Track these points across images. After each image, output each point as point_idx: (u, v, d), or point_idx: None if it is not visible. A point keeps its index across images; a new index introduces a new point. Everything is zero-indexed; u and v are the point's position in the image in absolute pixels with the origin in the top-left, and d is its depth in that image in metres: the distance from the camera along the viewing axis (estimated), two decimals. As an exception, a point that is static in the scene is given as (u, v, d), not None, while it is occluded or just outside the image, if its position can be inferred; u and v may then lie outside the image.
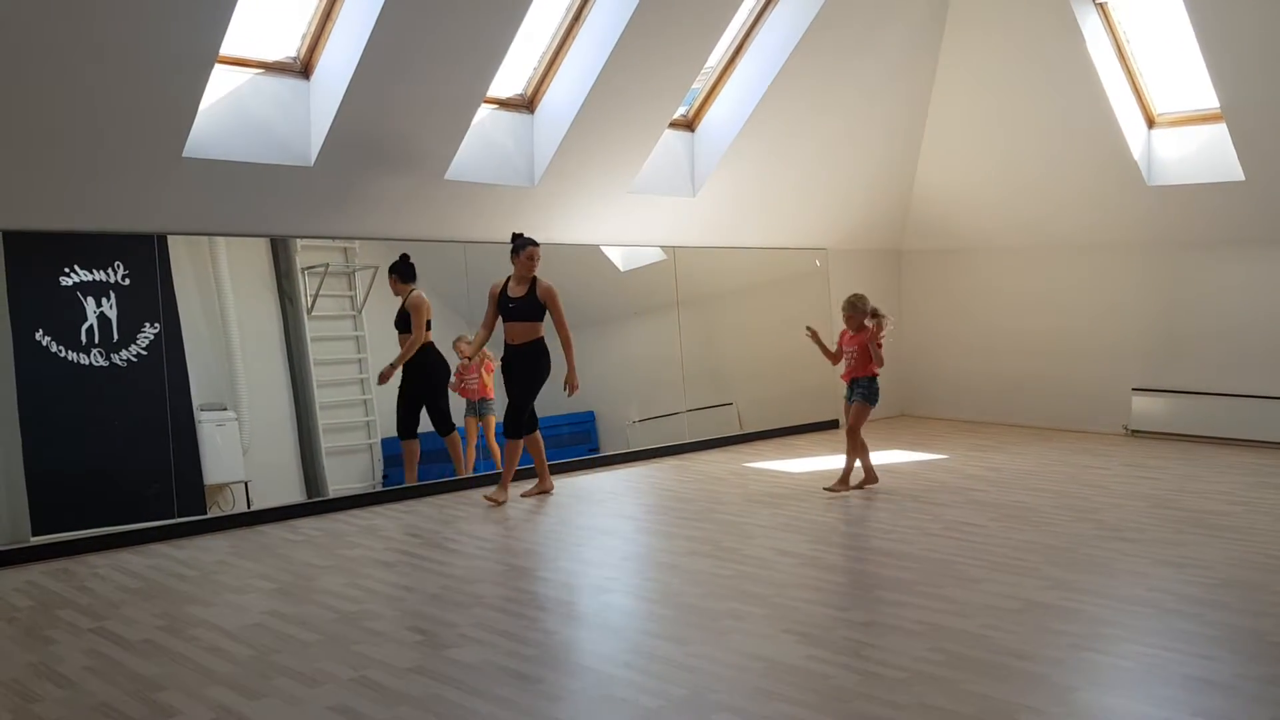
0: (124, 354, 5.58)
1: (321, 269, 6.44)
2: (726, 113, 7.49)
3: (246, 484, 6.02)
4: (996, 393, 8.91)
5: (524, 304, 6.11)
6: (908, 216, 9.23)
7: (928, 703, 3.02)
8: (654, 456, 7.71)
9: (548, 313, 6.19)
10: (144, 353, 5.63)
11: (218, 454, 5.91)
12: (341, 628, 3.87)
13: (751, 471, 6.99)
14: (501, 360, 6.29)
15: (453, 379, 6.68)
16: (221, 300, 6.05)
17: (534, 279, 6.10)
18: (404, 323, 6.39)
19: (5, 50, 4.51)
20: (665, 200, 7.59)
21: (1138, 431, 8.05)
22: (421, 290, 6.42)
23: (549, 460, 6.53)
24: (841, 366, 6.31)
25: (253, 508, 5.93)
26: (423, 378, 6.43)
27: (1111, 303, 8.21)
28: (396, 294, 6.42)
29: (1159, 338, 8.00)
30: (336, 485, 6.31)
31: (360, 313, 6.59)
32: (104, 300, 5.52)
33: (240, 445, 6.02)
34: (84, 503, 5.38)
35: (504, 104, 6.68)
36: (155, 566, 4.92)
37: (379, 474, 6.58)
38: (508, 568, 4.70)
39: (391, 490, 6.43)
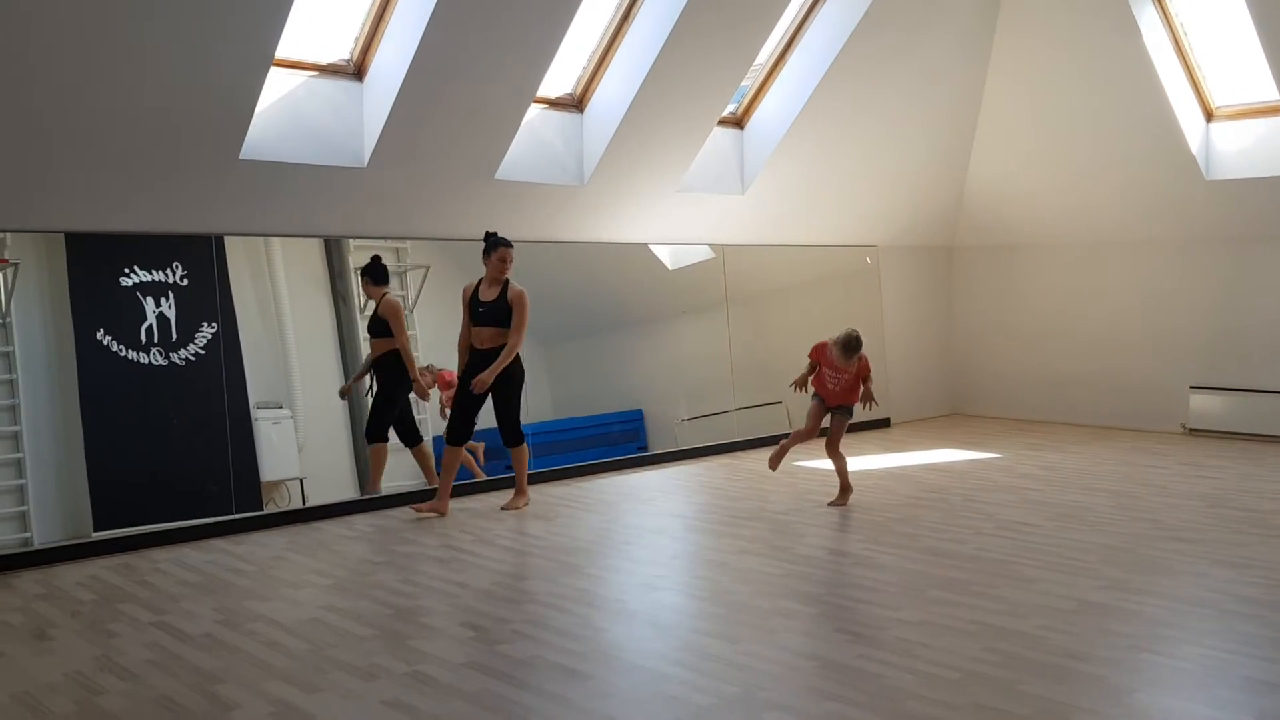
0: (182, 353, 5.68)
1: (373, 269, 6.51)
2: (776, 110, 7.47)
3: (301, 481, 6.11)
4: (1051, 391, 8.79)
5: (494, 308, 5.79)
6: (960, 212, 9.13)
7: (982, 703, 2.99)
8: (702, 455, 7.70)
9: None
10: (202, 352, 5.73)
11: (273, 451, 6.00)
12: (396, 623, 3.92)
13: (802, 470, 6.96)
14: (468, 365, 5.87)
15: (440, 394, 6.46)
16: (277, 300, 6.14)
17: (506, 281, 5.81)
18: (377, 327, 6.18)
19: (66, 55, 4.62)
20: (714, 198, 7.58)
21: (1196, 430, 7.90)
22: (392, 292, 6.29)
23: (598, 462, 6.51)
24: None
25: (308, 504, 6.02)
26: (390, 383, 6.22)
27: (1169, 299, 8.07)
28: (370, 297, 6.26)
29: (1218, 335, 7.84)
30: (389, 483, 6.38)
31: (412, 312, 6.65)
32: (163, 300, 5.63)
33: (295, 443, 6.11)
34: (144, 499, 5.49)
35: (553, 103, 6.71)
36: (214, 561, 5.01)
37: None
38: (558, 564, 4.73)
39: (443, 488, 6.48)
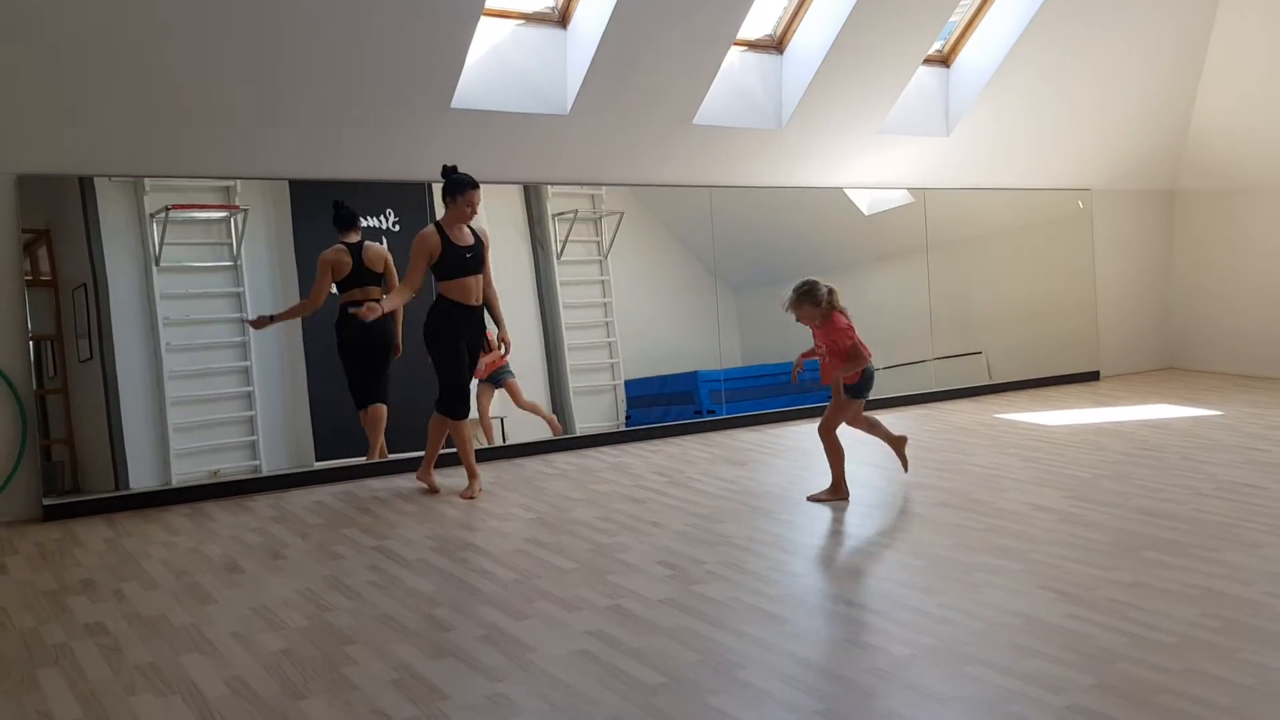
0: (395, 295, 5.95)
1: (571, 215, 6.63)
2: (985, 46, 7.14)
3: (502, 420, 6.34)
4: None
5: (477, 254, 5.10)
6: (1183, 153, 8.54)
7: (1200, 669, 2.85)
8: (896, 405, 7.56)
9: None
10: (413, 295, 5.99)
11: (476, 391, 6.24)
12: (596, 558, 4.05)
13: (1003, 423, 6.74)
14: (458, 322, 5.18)
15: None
16: (480, 245, 6.34)
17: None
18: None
19: (292, 14, 4.87)
20: (916, 140, 7.35)
21: None
22: (338, 245, 5.66)
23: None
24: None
25: (508, 442, 6.26)
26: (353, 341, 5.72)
27: None
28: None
29: None
30: (583, 424, 6.55)
31: (606, 258, 6.76)
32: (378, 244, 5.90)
33: (497, 383, 6.34)
34: (360, 431, 5.83)
35: (753, 45, 6.63)
36: (426, 492, 5.29)
37: (623, 414, 6.76)
38: (751, 509, 4.76)
39: (635, 430, 6.61)
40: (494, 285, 5.34)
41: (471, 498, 5.16)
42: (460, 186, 5.04)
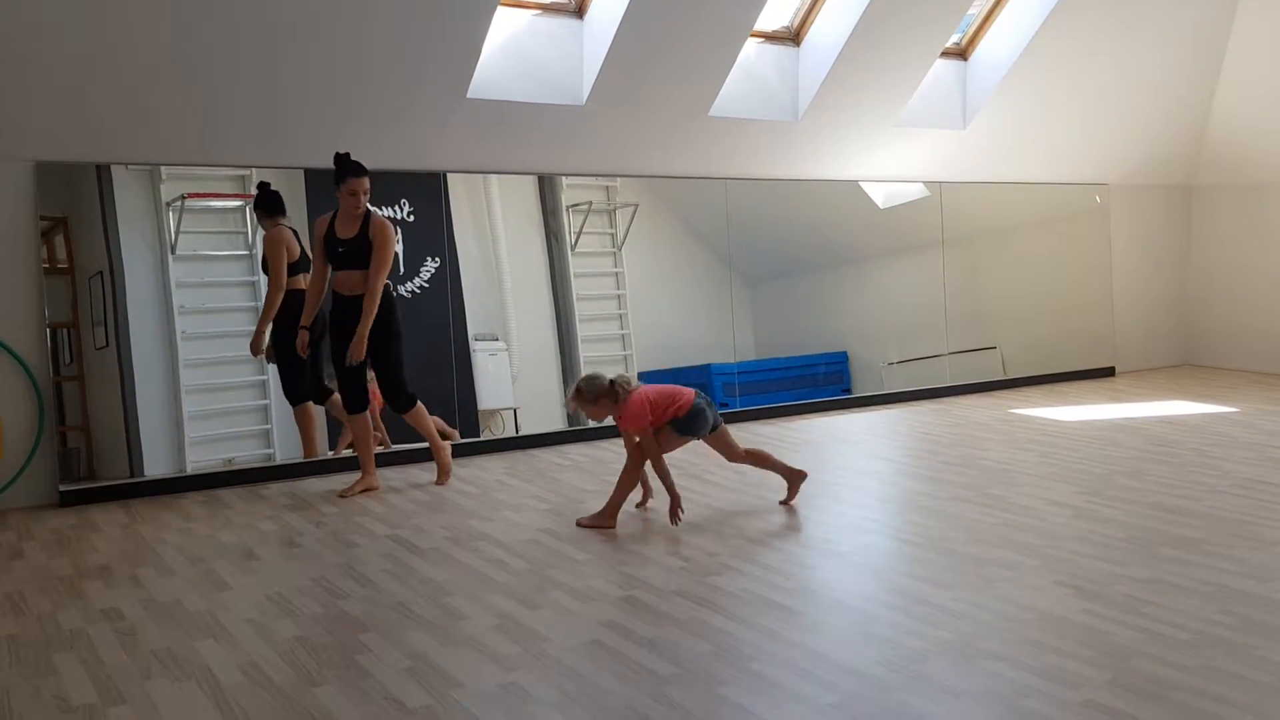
0: (409, 286, 5.98)
1: (585, 206, 6.63)
2: (1003, 39, 7.11)
3: (515, 410, 6.35)
4: (1298, 343, 8.13)
5: (355, 246, 4.89)
6: (1202, 148, 8.48)
7: (1217, 666, 2.83)
8: (910, 399, 7.54)
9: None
10: (426, 285, 6.01)
11: (490, 381, 6.26)
12: (609, 549, 4.05)
13: (1018, 418, 6.72)
14: (330, 315, 5.08)
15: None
16: (494, 236, 6.35)
17: (366, 213, 4.95)
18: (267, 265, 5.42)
19: (308, 3, 4.87)
20: (933, 134, 7.31)
21: None
22: (285, 225, 5.45)
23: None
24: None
25: (520, 433, 6.27)
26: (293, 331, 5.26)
27: None
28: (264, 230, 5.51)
29: None
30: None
31: (620, 250, 6.76)
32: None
33: (510, 374, 6.35)
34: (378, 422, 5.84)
35: (770, 37, 6.61)
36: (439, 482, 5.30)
37: (636, 406, 6.76)
38: (766, 503, 4.75)
39: (650, 422, 6.60)
40: (376, 286, 4.89)
41: (343, 496, 5.03)
42: (342, 174, 4.86)
